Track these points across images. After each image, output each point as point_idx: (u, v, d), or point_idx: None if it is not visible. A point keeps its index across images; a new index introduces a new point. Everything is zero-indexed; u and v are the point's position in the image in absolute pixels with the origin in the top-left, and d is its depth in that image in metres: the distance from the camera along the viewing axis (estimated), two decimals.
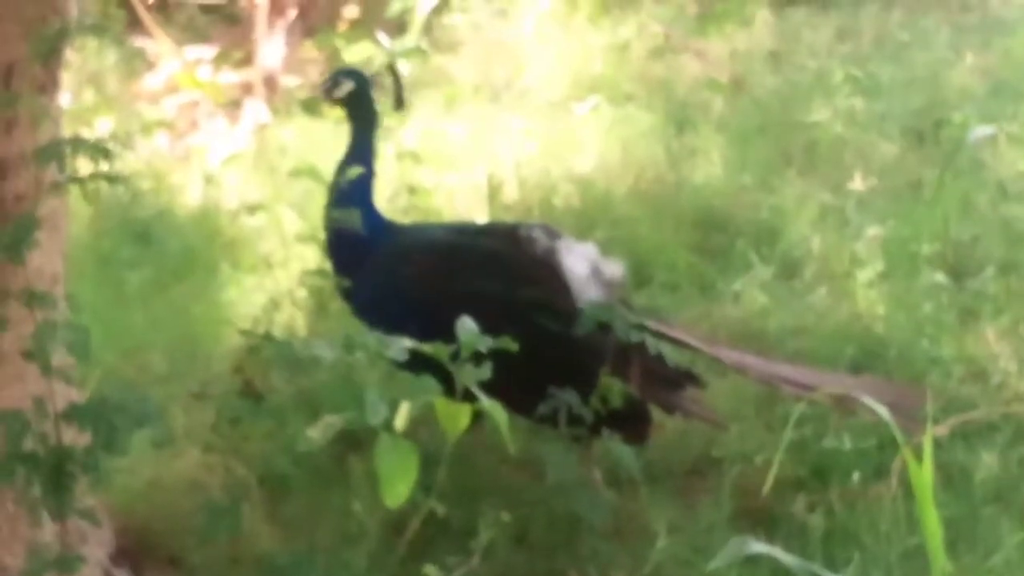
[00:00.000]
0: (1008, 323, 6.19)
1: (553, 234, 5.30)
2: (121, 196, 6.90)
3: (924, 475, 3.77)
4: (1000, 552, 4.82)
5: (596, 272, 5.22)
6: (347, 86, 5.38)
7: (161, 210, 7.35)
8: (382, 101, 5.61)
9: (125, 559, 4.87)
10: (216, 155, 7.91)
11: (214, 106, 8.44)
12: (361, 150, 5.38)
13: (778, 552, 3.80)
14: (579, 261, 5.22)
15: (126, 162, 7.56)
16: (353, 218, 5.12)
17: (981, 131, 6.39)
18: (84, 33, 4.44)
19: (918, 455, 3.83)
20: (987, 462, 5.31)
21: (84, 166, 4.23)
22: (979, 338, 6.12)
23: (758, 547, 3.78)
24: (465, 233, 5.55)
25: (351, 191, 5.25)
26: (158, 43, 8.74)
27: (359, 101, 5.41)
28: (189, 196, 7.56)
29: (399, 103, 5.62)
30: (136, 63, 8.73)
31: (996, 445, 5.43)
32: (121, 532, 4.92)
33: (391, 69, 5.64)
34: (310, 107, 6.33)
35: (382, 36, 8.26)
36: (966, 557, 4.80)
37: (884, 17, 9.89)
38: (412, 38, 8.66)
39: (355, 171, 5.25)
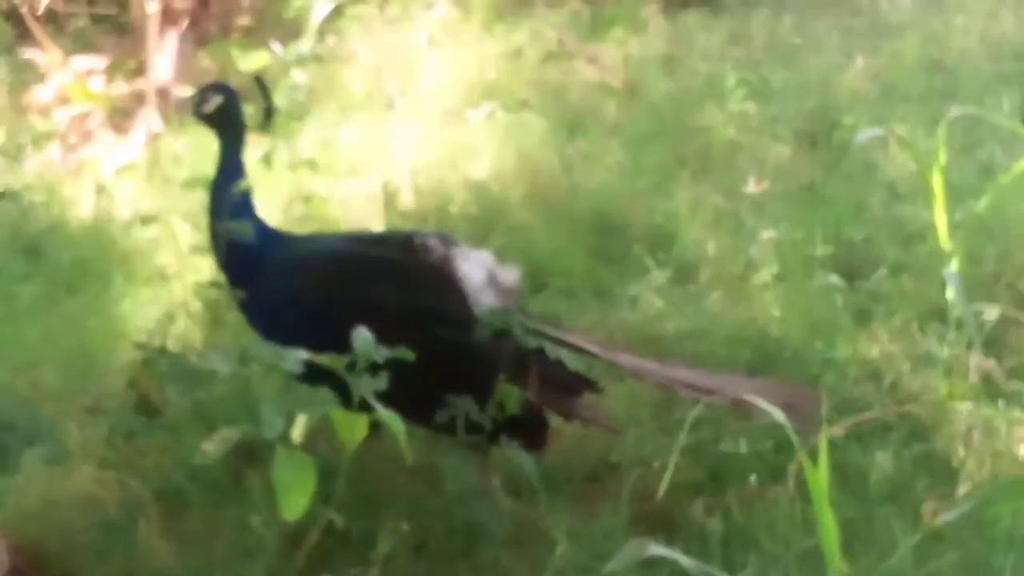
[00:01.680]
0: (901, 323, 6.25)
1: (448, 242, 5.29)
2: (11, 210, 6.82)
3: (819, 478, 3.80)
4: (895, 553, 4.86)
5: (492, 279, 5.21)
6: (216, 101, 5.33)
7: (53, 223, 7.27)
8: (251, 115, 5.56)
9: None
10: (109, 166, 7.83)
11: (106, 117, 8.35)
12: (232, 164, 5.34)
13: (677, 555, 3.82)
14: (475, 268, 5.21)
15: (16, 175, 7.49)
16: (244, 230, 5.08)
17: (869, 133, 6.44)
18: None
19: (813, 457, 3.86)
20: (882, 462, 5.36)
21: None
22: (873, 338, 6.18)
23: (656, 550, 3.79)
24: (360, 242, 5.52)
25: (233, 205, 5.20)
26: (48, 54, 8.63)
27: (228, 116, 5.36)
28: (81, 208, 7.48)
29: (267, 117, 5.58)
30: (26, 75, 8.63)
31: (890, 445, 5.49)
32: (15, 550, 4.86)
33: (259, 83, 5.60)
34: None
35: (275, 44, 8.22)
36: (862, 558, 4.83)
37: (775, 21, 9.99)
38: (306, 46, 8.61)
39: (240, 185, 5.22)
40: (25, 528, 4.98)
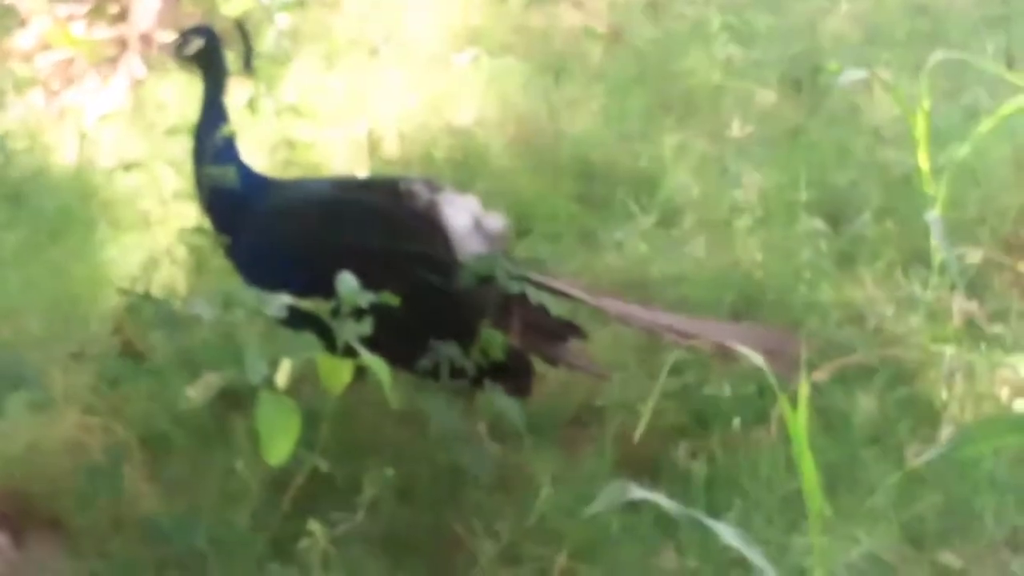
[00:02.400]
0: (884, 267, 6.26)
1: (434, 187, 5.28)
2: None
3: (799, 421, 3.82)
4: (878, 493, 4.90)
5: (478, 225, 5.21)
6: (197, 43, 5.31)
7: (35, 170, 7.23)
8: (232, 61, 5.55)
9: (5, 523, 4.82)
10: (92, 113, 7.79)
11: (89, 63, 8.30)
12: (215, 108, 5.32)
13: (659, 497, 3.83)
14: (460, 214, 5.20)
15: None
16: (228, 175, 5.07)
17: (852, 75, 6.43)
18: None
19: (795, 401, 3.87)
20: (865, 405, 5.39)
21: None
22: (856, 282, 6.19)
23: (638, 492, 3.81)
24: (346, 188, 5.51)
25: (218, 149, 5.20)
26: None
27: (209, 58, 5.35)
28: (64, 155, 7.43)
29: (247, 63, 5.57)
30: (6, 20, 8.56)
31: (873, 388, 5.51)
32: (0, 496, 4.86)
33: (240, 28, 5.58)
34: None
35: None
36: (845, 500, 4.87)
37: None
38: None
39: (224, 129, 5.21)
40: (10, 474, 5.00)
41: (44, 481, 4.99)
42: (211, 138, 5.22)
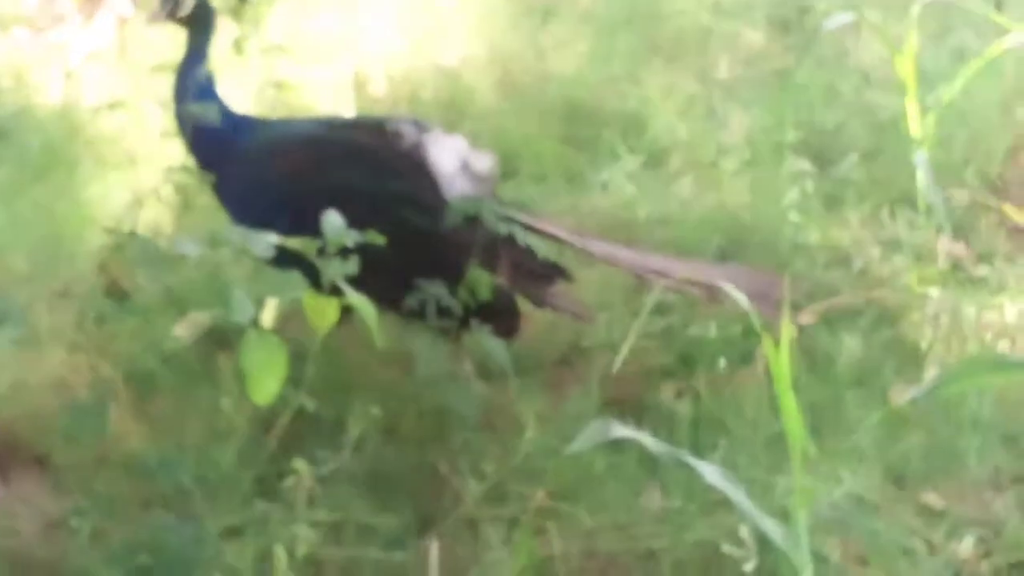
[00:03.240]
0: (871, 209, 6.28)
1: (422, 127, 5.27)
2: None
3: (783, 361, 3.82)
4: (861, 432, 4.92)
5: (465, 165, 5.20)
6: (189, 3, 5.28)
7: (20, 108, 7.20)
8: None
9: None
10: (77, 51, 7.76)
11: (74, 1, 8.26)
12: (198, 55, 5.30)
13: (643, 436, 3.84)
14: (448, 154, 5.19)
15: None
16: (210, 112, 5.06)
17: (840, 18, 6.42)
18: None
19: (779, 342, 3.88)
20: (850, 346, 5.41)
21: None
22: (842, 224, 6.21)
23: (621, 431, 3.81)
24: (333, 127, 5.49)
25: (198, 90, 5.18)
26: None
27: (201, 12, 5.32)
28: (50, 93, 7.41)
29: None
30: None
31: (859, 330, 5.54)
32: None
33: None
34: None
35: None
36: (829, 440, 4.89)
37: None
38: None
39: (202, 71, 5.19)
40: None
41: (29, 419, 4.99)
42: (191, 80, 5.20)
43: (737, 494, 3.76)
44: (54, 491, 4.81)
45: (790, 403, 3.82)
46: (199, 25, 5.31)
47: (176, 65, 5.30)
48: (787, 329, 3.85)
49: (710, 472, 3.77)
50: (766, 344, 3.84)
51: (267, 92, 7.03)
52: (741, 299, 3.95)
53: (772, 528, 3.79)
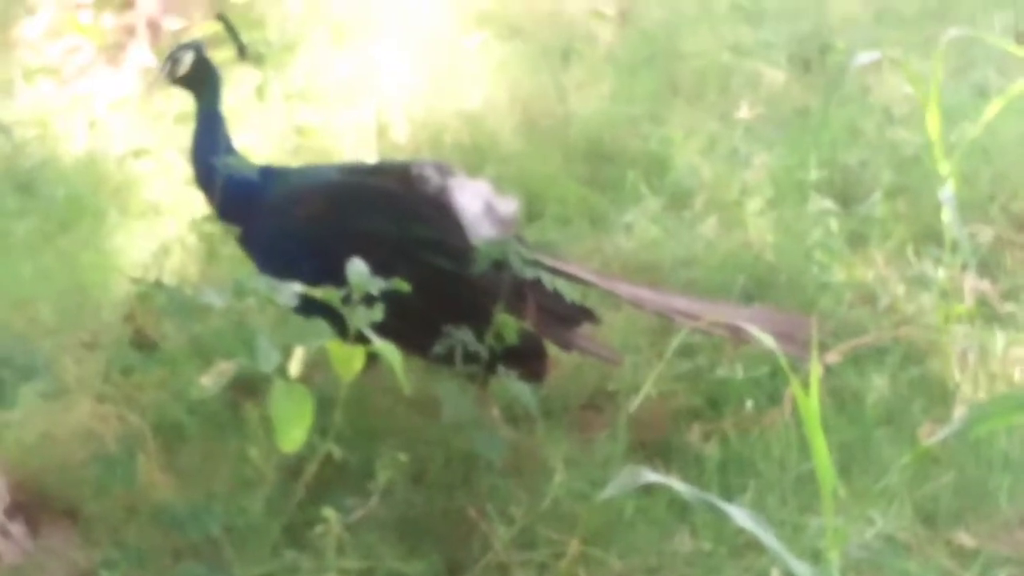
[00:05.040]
0: (896, 247, 6.27)
1: (446, 171, 5.27)
2: (4, 146, 6.80)
3: (812, 402, 3.81)
4: (890, 473, 4.89)
5: (490, 209, 5.20)
6: (188, 59, 5.30)
7: (46, 158, 7.24)
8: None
9: (20, 512, 4.82)
10: (101, 101, 7.81)
11: (97, 51, 8.31)
12: (210, 110, 5.32)
13: (673, 481, 3.83)
14: (472, 198, 5.20)
15: (8, 110, 7.46)
16: (242, 164, 5.08)
17: (864, 57, 6.42)
18: None
19: (806, 383, 3.86)
20: (878, 386, 5.39)
21: None
22: (868, 262, 6.19)
23: (651, 476, 3.80)
24: (356, 173, 5.50)
25: (215, 147, 5.20)
26: None
27: (201, 69, 5.34)
28: (74, 143, 7.45)
29: (241, 51, 5.56)
30: (15, 8, 8.57)
31: (886, 368, 5.51)
32: (15, 486, 4.87)
33: (223, 20, 5.56)
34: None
35: None
36: (859, 480, 4.87)
37: None
38: None
39: (217, 127, 5.24)
40: (25, 463, 5.00)
41: (58, 470, 4.99)
42: (208, 136, 5.23)
43: (768, 537, 3.74)
44: (84, 542, 4.80)
45: (820, 444, 3.80)
46: (202, 83, 5.33)
47: (192, 135, 5.32)
48: (816, 371, 3.84)
49: (740, 515, 3.75)
50: (794, 385, 3.82)
51: (289, 137, 7.07)
52: (768, 341, 3.93)
53: (804, 570, 3.76)
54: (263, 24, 7.97)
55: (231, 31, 5.50)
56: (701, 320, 5.10)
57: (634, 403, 4.87)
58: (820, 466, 3.88)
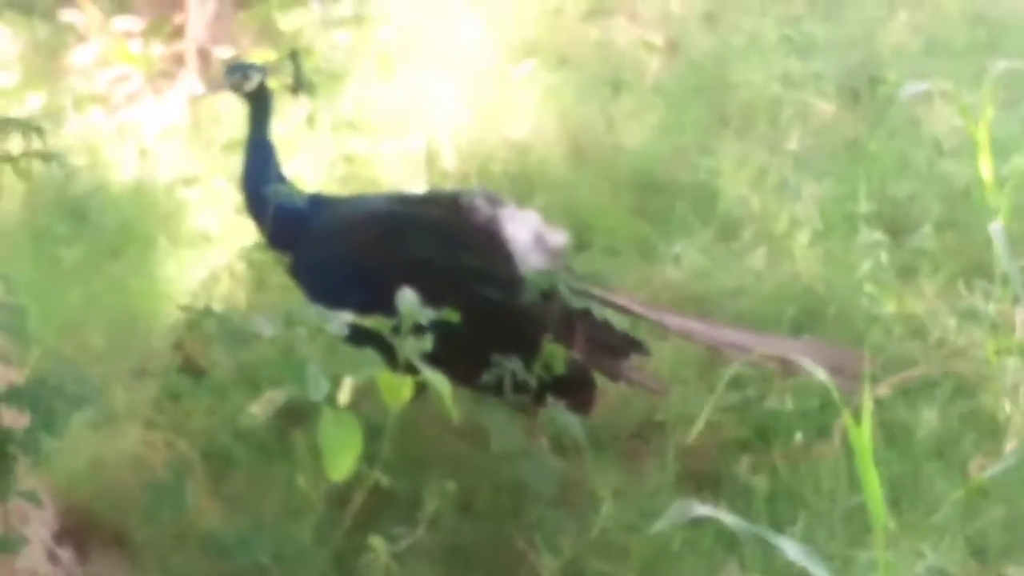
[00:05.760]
0: (945, 279, 6.23)
1: (496, 202, 5.29)
2: (55, 173, 6.79)
3: (863, 435, 3.79)
4: (941, 508, 4.86)
5: (539, 239, 5.21)
6: (257, 77, 5.34)
7: (96, 186, 7.28)
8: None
9: (69, 538, 4.84)
10: (150, 129, 7.85)
11: (147, 79, 8.36)
12: (262, 137, 5.35)
13: (722, 514, 3.81)
14: (521, 229, 5.21)
15: (59, 138, 7.50)
16: (292, 193, 5.11)
17: (914, 88, 6.41)
18: (12, 9, 4.39)
19: (857, 415, 3.85)
20: (928, 419, 5.36)
21: (17, 144, 4.19)
22: (918, 295, 6.16)
23: (702, 510, 3.79)
24: (407, 202, 5.52)
25: (266, 174, 5.23)
26: (87, 16, 8.63)
27: (263, 92, 5.38)
28: (124, 171, 7.49)
29: (298, 86, 5.58)
30: (66, 37, 8.63)
31: (936, 401, 5.48)
32: (64, 512, 4.89)
33: (293, 57, 5.59)
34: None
35: (315, 4, 8.22)
36: (909, 514, 4.84)
37: None
38: (347, 5, 8.59)
39: (268, 154, 5.27)
40: (74, 490, 5.02)
41: (107, 497, 5.01)
42: (259, 163, 5.26)
43: (818, 570, 3.72)
44: (132, 569, 4.82)
45: (872, 478, 3.78)
46: (260, 104, 5.37)
47: (242, 158, 5.35)
48: (868, 403, 3.82)
49: (789, 548, 3.73)
50: (846, 418, 3.80)
51: (339, 166, 7.09)
52: (820, 373, 3.92)
53: None
54: (311, 53, 8.00)
55: (297, 68, 5.52)
56: (750, 352, 5.09)
57: (690, 433, 4.86)
58: (871, 499, 3.86)
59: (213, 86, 5.44)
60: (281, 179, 5.29)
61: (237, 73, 5.38)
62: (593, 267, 6.22)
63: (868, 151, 7.37)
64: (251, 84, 5.35)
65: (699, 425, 4.66)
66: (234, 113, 7.63)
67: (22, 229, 6.68)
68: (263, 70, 5.41)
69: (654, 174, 7.25)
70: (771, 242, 6.58)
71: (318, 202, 5.34)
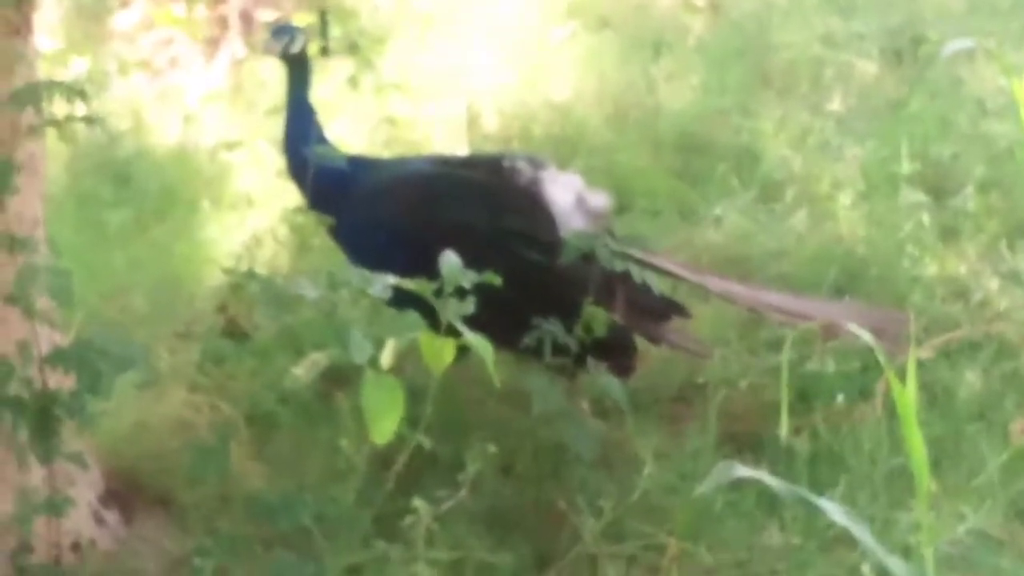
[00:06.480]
0: (988, 240, 6.21)
1: (538, 164, 5.29)
2: (99, 137, 6.86)
3: (908, 396, 3.78)
4: (983, 471, 4.86)
5: (581, 202, 5.21)
6: (301, 39, 5.35)
7: (140, 150, 7.31)
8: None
9: (114, 501, 4.88)
10: (194, 93, 7.87)
11: (190, 43, 8.38)
12: (302, 99, 5.36)
13: (764, 476, 3.82)
14: (563, 191, 5.21)
15: (103, 102, 7.54)
16: (334, 155, 5.12)
17: (955, 45, 6.36)
18: None
19: (901, 376, 3.84)
20: (970, 381, 5.36)
21: (61, 108, 4.22)
22: (960, 256, 6.14)
23: (744, 471, 3.79)
24: (449, 164, 5.53)
25: (308, 135, 5.23)
26: None
27: (302, 56, 5.39)
28: (167, 135, 7.52)
29: (325, 49, 5.60)
30: (109, 1, 8.66)
31: (979, 363, 5.47)
32: (109, 474, 4.93)
33: (322, 19, 5.60)
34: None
35: None
36: (950, 476, 4.84)
37: None
38: None
39: (310, 115, 5.29)
40: (119, 452, 5.06)
41: (152, 459, 5.05)
42: (300, 124, 5.27)
43: (861, 531, 3.71)
44: (177, 530, 4.86)
45: (916, 441, 3.77)
46: (301, 68, 5.38)
47: (283, 120, 5.37)
48: (913, 365, 3.81)
49: (831, 509, 3.73)
50: (891, 380, 3.80)
51: (381, 128, 7.10)
52: (864, 335, 3.91)
53: (897, 566, 3.73)
54: (355, 16, 8.00)
55: (324, 30, 5.54)
56: (791, 315, 5.09)
57: (731, 395, 4.85)
58: (916, 461, 3.85)
59: (262, 48, 5.44)
60: (323, 141, 5.30)
61: (285, 35, 5.38)
62: (634, 229, 6.22)
63: (911, 111, 7.33)
64: (297, 46, 5.36)
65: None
66: (277, 77, 7.66)
67: (66, 193, 6.71)
68: (304, 32, 5.42)
69: (695, 136, 7.23)
70: (813, 204, 6.56)
71: (360, 164, 5.34)
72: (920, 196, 6.36)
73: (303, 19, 6.75)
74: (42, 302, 4.10)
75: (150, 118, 7.66)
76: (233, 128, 7.39)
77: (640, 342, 5.21)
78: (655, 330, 5.21)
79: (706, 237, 6.42)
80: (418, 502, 4.42)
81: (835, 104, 7.35)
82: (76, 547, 4.66)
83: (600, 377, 4.90)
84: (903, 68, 7.97)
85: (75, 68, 7.91)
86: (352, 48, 6.34)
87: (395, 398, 4.24)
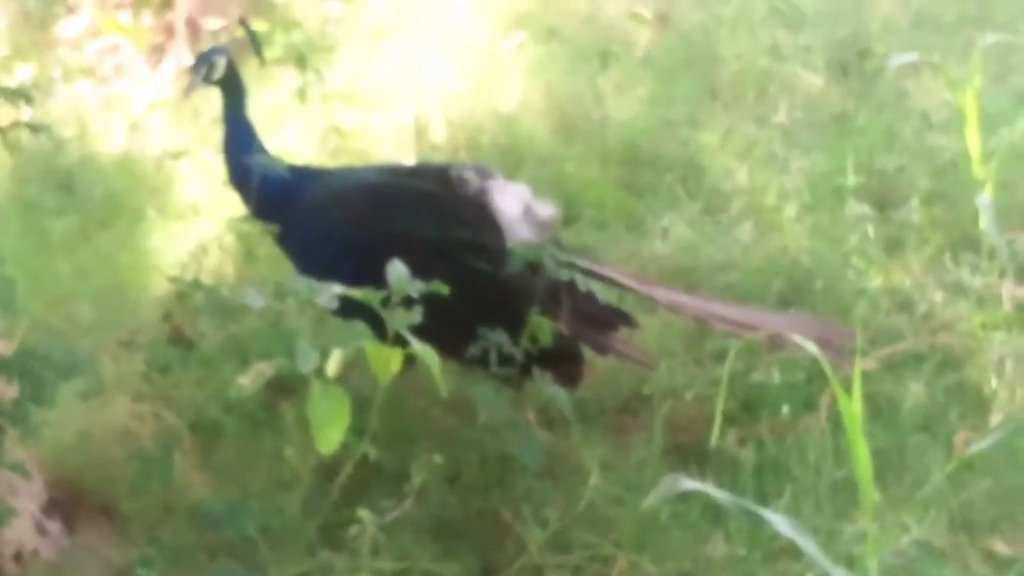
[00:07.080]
0: (932, 253, 6.24)
1: (485, 174, 5.29)
2: (43, 144, 6.81)
3: (853, 408, 3.81)
4: (927, 482, 4.88)
5: (528, 212, 5.21)
6: (222, 63, 5.35)
7: (85, 157, 7.27)
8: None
9: (57, 510, 4.85)
10: (139, 101, 7.84)
11: (136, 50, 8.34)
12: (238, 113, 5.36)
13: (710, 488, 3.83)
14: (511, 201, 5.21)
15: (48, 109, 7.50)
16: (275, 164, 5.11)
17: (900, 58, 6.41)
18: None
19: (847, 388, 3.86)
20: (914, 392, 5.38)
21: (5, 114, 4.19)
22: (905, 268, 6.17)
23: (690, 484, 3.80)
24: (397, 174, 5.52)
25: (247, 147, 5.24)
26: None
27: (231, 74, 5.38)
28: (113, 143, 7.48)
29: (260, 58, 5.59)
30: (55, 7, 8.61)
31: (923, 375, 5.50)
32: (52, 484, 4.90)
33: (244, 26, 5.60)
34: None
35: None
36: (894, 487, 4.86)
37: None
38: None
39: (247, 128, 5.33)
40: (62, 461, 5.03)
41: (95, 468, 5.03)
42: (239, 137, 5.27)
43: (805, 542, 3.74)
44: (120, 540, 4.83)
45: (861, 452, 3.80)
46: (232, 87, 5.37)
47: (221, 140, 5.37)
48: (858, 376, 3.83)
49: (776, 520, 3.75)
50: (836, 392, 3.82)
51: (329, 138, 7.08)
52: (809, 346, 3.93)
53: None
54: (299, 25, 7.99)
55: (252, 38, 5.53)
56: (737, 326, 5.11)
57: (676, 407, 4.86)
58: (860, 472, 3.88)
59: (189, 89, 5.46)
60: (262, 151, 5.29)
61: (203, 65, 5.38)
62: (581, 240, 6.23)
63: (856, 124, 7.37)
64: (219, 71, 5.36)
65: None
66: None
67: (10, 200, 6.68)
68: (225, 50, 5.41)
69: (642, 147, 7.25)
70: (759, 215, 6.59)
71: (303, 173, 5.34)
72: (865, 208, 6.38)
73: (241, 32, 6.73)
74: None
75: (95, 126, 7.62)
76: (179, 137, 7.36)
77: (587, 352, 5.21)
78: (601, 340, 5.21)
79: (653, 248, 6.43)
80: (363, 512, 4.41)
81: (781, 116, 7.38)
82: (18, 557, 4.63)
83: (546, 387, 4.90)
84: (849, 81, 8.01)
85: (20, 75, 7.85)
86: (299, 60, 6.30)
87: (341, 408, 4.24)
